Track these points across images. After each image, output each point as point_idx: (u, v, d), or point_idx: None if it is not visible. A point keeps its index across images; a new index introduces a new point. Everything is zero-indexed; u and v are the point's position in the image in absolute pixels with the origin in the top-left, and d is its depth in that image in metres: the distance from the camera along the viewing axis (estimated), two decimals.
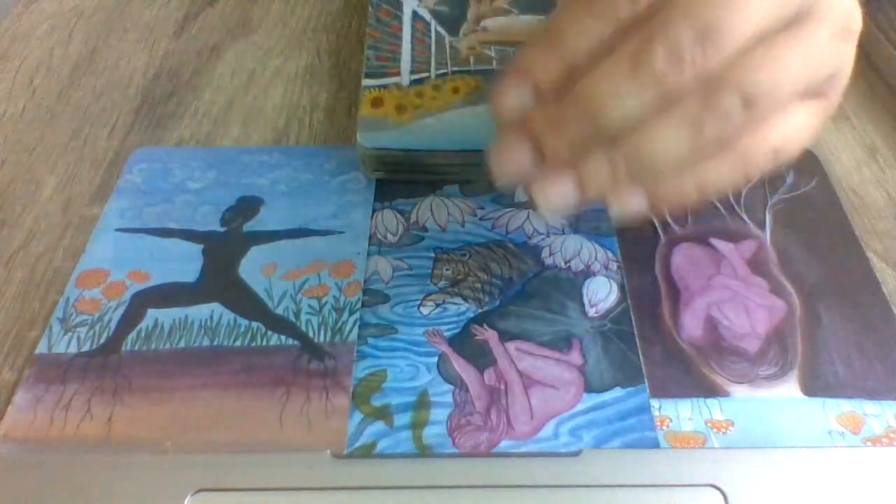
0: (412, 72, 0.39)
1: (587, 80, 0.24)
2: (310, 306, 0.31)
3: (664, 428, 0.27)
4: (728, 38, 0.23)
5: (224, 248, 0.34)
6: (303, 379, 0.29)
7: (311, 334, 0.30)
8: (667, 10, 0.23)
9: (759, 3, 0.24)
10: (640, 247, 0.33)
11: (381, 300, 0.31)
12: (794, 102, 0.26)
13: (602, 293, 0.32)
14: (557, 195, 0.25)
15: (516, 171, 0.26)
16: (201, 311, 0.31)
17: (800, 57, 0.24)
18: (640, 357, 0.29)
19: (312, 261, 0.33)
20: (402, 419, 0.27)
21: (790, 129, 0.26)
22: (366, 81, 0.38)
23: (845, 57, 0.26)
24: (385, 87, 0.38)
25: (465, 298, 0.32)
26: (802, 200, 0.35)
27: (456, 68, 0.39)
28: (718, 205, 0.35)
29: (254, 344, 0.30)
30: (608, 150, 0.24)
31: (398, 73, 0.39)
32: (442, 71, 0.39)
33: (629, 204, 0.26)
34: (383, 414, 0.27)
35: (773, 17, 0.24)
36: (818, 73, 0.25)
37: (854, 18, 0.25)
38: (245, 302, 0.31)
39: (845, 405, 0.28)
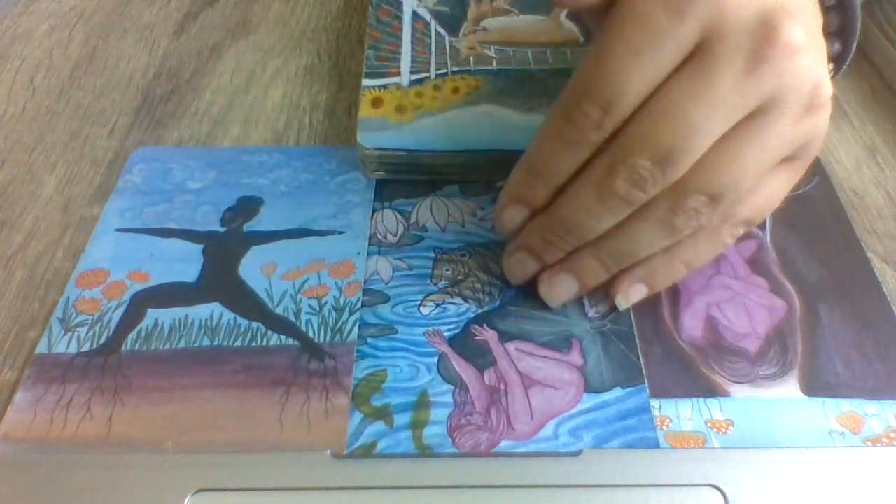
0: (412, 72, 0.39)
1: (563, 206, 0.27)
2: (310, 306, 0.31)
3: (664, 428, 0.27)
4: (686, 158, 0.24)
5: (224, 248, 0.34)
6: (303, 379, 0.29)
7: (311, 334, 0.30)
8: (627, 137, 0.24)
9: (711, 122, 0.24)
10: None
11: (381, 300, 0.31)
12: (764, 176, 0.27)
13: (602, 293, 0.31)
14: (562, 293, 0.30)
15: (525, 277, 0.31)
16: (201, 311, 0.31)
17: (759, 149, 0.25)
18: (640, 357, 0.29)
19: (312, 261, 0.33)
20: (402, 419, 0.27)
21: (762, 199, 0.28)
22: (366, 81, 0.38)
23: (816, 127, 0.26)
24: (385, 87, 0.38)
25: (465, 298, 0.32)
26: (802, 200, 0.35)
27: (456, 68, 0.39)
28: None
29: (254, 344, 0.30)
30: (595, 249, 0.28)
31: (398, 73, 0.39)
32: (442, 71, 0.39)
33: (630, 295, 0.30)
34: (383, 414, 0.27)
35: (728, 125, 0.24)
36: (783, 153, 0.26)
37: (821, 89, 0.25)
38: (245, 302, 0.31)
39: (845, 405, 0.28)
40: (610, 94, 0.24)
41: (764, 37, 0.23)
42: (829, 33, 0.30)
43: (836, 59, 0.30)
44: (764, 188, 0.27)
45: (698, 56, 0.24)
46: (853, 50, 0.30)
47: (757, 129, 0.24)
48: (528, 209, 0.29)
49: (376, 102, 0.37)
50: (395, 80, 0.38)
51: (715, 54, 0.23)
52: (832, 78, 0.31)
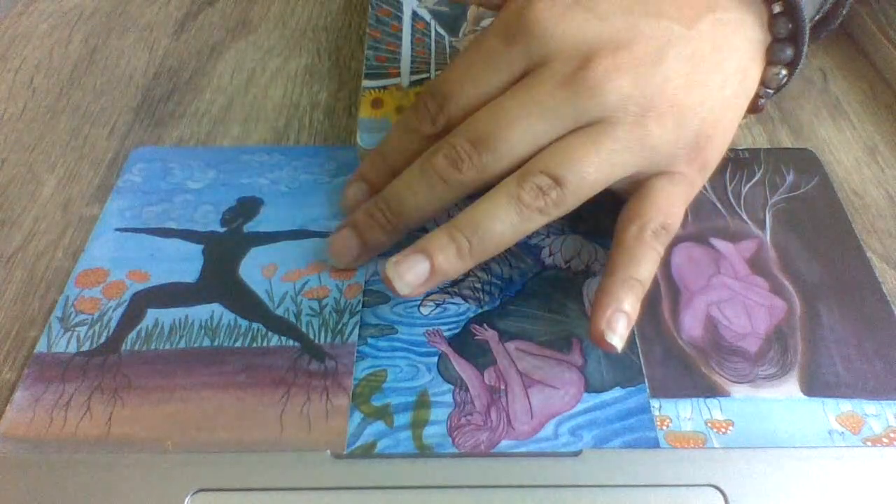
0: (412, 72, 0.39)
1: (392, 181, 0.31)
2: (310, 308, 0.31)
3: (664, 428, 0.27)
4: (501, 144, 0.28)
5: (224, 248, 0.34)
6: (303, 379, 0.29)
7: (311, 335, 0.30)
8: (454, 130, 0.29)
9: (526, 115, 0.28)
10: None
11: (381, 300, 0.31)
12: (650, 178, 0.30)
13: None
14: (410, 274, 0.28)
15: (345, 256, 0.32)
16: (201, 311, 0.31)
17: (596, 154, 0.28)
18: (640, 357, 0.29)
19: (312, 262, 0.33)
20: (402, 419, 0.27)
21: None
22: (365, 82, 0.38)
23: (655, 142, 0.29)
24: (385, 87, 0.38)
25: (465, 298, 0.32)
26: (802, 200, 0.35)
27: None
28: (718, 205, 0.35)
29: (254, 345, 0.30)
30: (447, 225, 0.29)
31: (398, 74, 0.39)
32: None
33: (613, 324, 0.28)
34: (383, 414, 0.27)
35: (549, 125, 0.28)
36: (628, 162, 0.29)
37: (652, 110, 0.28)
38: (245, 302, 0.31)
39: (845, 405, 0.28)
40: (446, 91, 0.30)
41: (580, 65, 0.28)
42: (780, 39, 0.30)
43: (789, 65, 0.31)
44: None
45: (524, 78, 0.29)
46: (805, 55, 0.31)
47: (594, 137, 0.28)
48: (367, 187, 0.33)
49: (376, 103, 0.37)
50: (395, 80, 0.38)
51: (537, 73, 0.29)
52: (784, 84, 0.32)
